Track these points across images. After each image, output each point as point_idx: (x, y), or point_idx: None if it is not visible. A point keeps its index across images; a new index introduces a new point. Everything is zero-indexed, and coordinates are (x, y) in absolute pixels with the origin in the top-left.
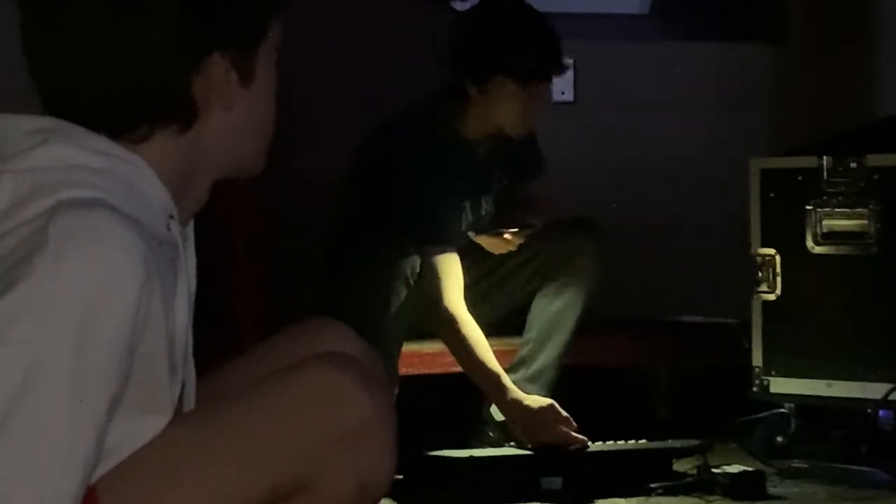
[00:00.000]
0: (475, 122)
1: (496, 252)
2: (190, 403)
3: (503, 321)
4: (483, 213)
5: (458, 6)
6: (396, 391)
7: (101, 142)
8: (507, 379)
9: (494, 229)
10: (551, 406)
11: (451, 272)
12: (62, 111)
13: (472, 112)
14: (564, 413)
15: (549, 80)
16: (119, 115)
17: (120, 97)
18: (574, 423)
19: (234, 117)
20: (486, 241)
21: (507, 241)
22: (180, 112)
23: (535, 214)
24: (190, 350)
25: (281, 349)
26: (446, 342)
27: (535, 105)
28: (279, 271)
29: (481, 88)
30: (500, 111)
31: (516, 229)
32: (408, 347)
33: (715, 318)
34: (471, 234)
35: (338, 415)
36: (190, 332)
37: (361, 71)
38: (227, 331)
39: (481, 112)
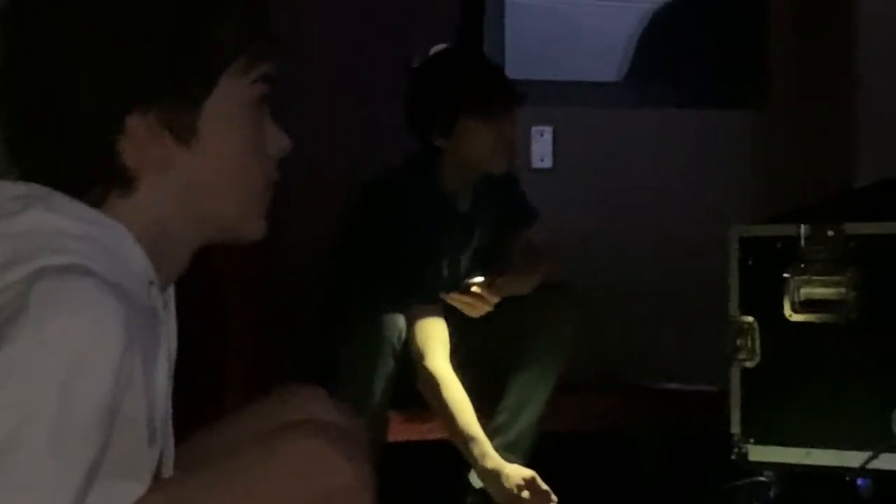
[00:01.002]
0: (452, 173)
1: (473, 313)
2: (168, 470)
3: (481, 388)
4: (461, 268)
5: (417, 61)
6: (378, 457)
7: (81, 208)
8: (487, 446)
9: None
10: (531, 478)
11: (435, 331)
12: (30, 176)
13: (447, 163)
14: (544, 486)
15: (512, 111)
16: (66, 180)
17: (61, 162)
18: (553, 497)
19: (179, 179)
20: (458, 301)
21: (480, 297)
22: (113, 176)
23: (533, 273)
24: (169, 416)
25: (261, 415)
26: (429, 402)
27: (507, 138)
28: (270, 334)
29: (449, 137)
30: (472, 151)
31: (481, 279)
32: (391, 412)
33: (694, 385)
34: (442, 295)
35: (318, 481)
36: (170, 397)
37: (356, 128)
38: (214, 392)
39: (455, 160)
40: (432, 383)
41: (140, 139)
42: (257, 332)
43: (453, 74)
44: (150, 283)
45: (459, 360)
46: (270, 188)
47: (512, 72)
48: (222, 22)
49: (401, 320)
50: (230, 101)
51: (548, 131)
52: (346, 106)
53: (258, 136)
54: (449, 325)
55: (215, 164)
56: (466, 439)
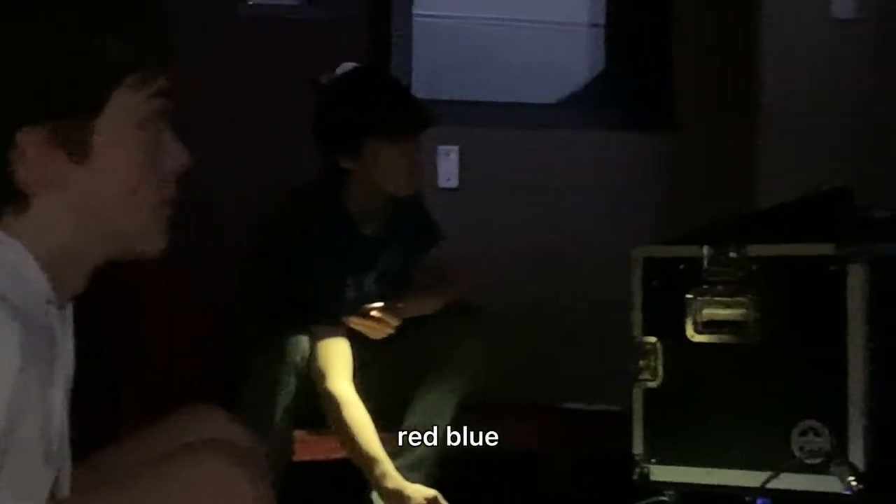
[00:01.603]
0: (359, 194)
1: (375, 336)
2: (65, 490)
3: (388, 408)
4: (367, 290)
5: (324, 80)
6: (282, 477)
7: None
8: (389, 465)
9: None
10: (433, 497)
11: (338, 353)
12: None
13: (353, 184)
14: None
15: (419, 133)
16: None
17: None
18: None
19: (74, 197)
20: (360, 324)
21: (381, 321)
22: (5, 194)
23: (437, 295)
24: (66, 435)
25: (161, 435)
26: (331, 423)
27: (413, 160)
28: (173, 353)
29: (356, 159)
30: (378, 173)
31: (379, 305)
32: (296, 432)
33: (599, 405)
34: (345, 319)
35: (218, 502)
36: (66, 417)
37: (265, 146)
38: (114, 412)
39: (361, 181)
40: (334, 404)
41: (32, 157)
42: (159, 350)
43: (361, 95)
44: (48, 302)
45: (365, 380)
46: (168, 204)
47: (419, 91)
48: (114, 37)
49: (304, 341)
50: (124, 117)
51: (454, 151)
52: (255, 124)
53: (154, 152)
54: (354, 346)
55: (110, 180)
56: (368, 459)
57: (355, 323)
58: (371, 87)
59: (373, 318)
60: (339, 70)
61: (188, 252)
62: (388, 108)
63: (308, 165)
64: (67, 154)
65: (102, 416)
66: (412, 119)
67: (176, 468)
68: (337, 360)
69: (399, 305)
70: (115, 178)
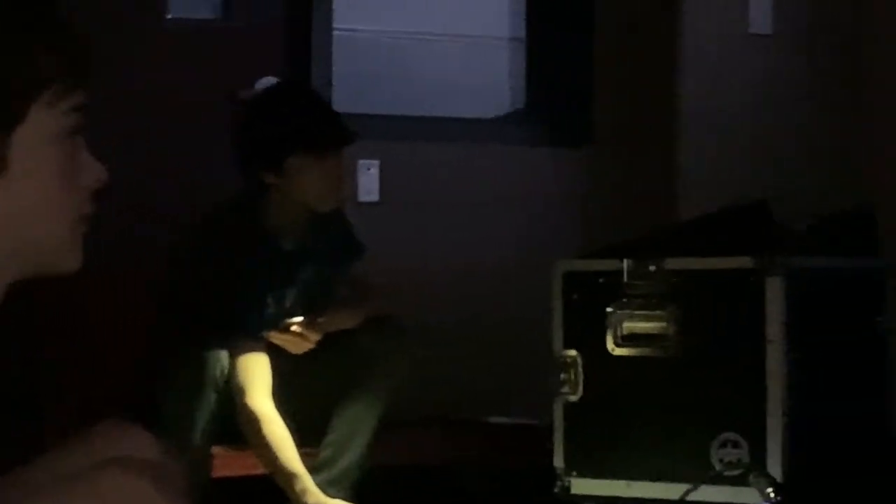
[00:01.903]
0: (280, 209)
1: (295, 351)
2: None
3: (308, 423)
4: (288, 305)
5: (244, 94)
6: (200, 493)
7: None
8: (309, 481)
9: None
10: None
11: (257, 369)
12: None
13: (275, 199)
14: None
15: (342, 148)
16: None
17: None
18: None
19: None
20: (280, 339)
21: (301, 336)
22: None
23: (357, 309)
24: None
25: (77, 452)
26: (250, 441)
27: (336, 176)
28: (91, 370)
29: (278, 173)
30: (301, 189)
31: (299, 319)
32: (213, 449)
33: (520, 419)
34: (264, 334)
35: None
36: None
37: (181, 161)
38: (32, 429)
39: (283, 197)
40: (253, 421)
41: None
42: (77, 368)
43: (284, 111)
44: None
45: (286, 395)
46: (85, 220)
47: (339, 105)
48: (31, 52)
49: (223, 357)
50: (41, 132)
51: (375, 165)
52: (176, 137)
53: (70, 168)
54: (275, 361)
55: (26, 196)
56: (288, 476)
57: (275, 338)
58: (294, 102)
59: (293, 332)
60: (260, 84)
61: (106, 265)
62: (312, 124)
63: (229, 178)
64: None
65: (23, 430)
66: (335, 135)
67: (93, 484)
68: (256, 376)
69: (319, 320)
70: (31, 194)
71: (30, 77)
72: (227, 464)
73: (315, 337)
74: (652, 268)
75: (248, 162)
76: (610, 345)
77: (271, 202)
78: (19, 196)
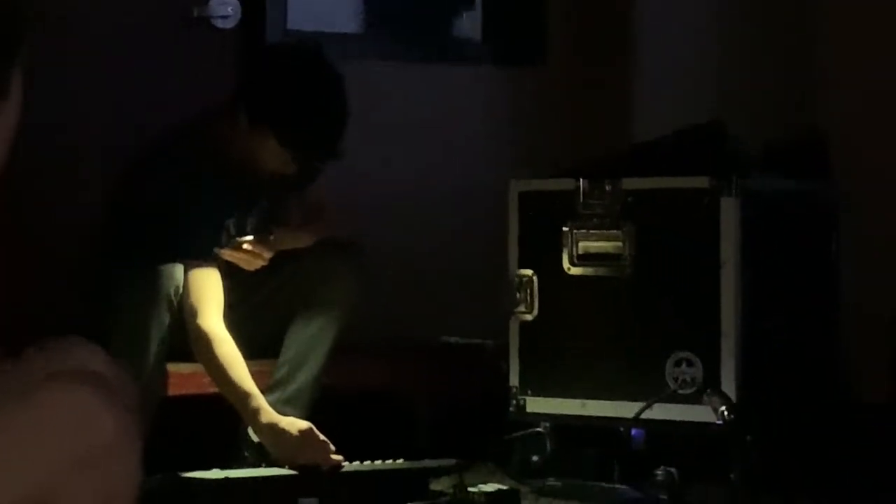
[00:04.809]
0: (238, 147)
1: (248, 268)
2: None
3: (263, 342)
4: (248, 229)
5: (220, 24)
6: (154, 411)
7: None
8: (262, 400)
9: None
10: (308, 429)
11: (209, 289)
12: None
13: (237, 137)
14: (321, 436)
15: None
16: None
17: None
18: (331, 446)
19: None
20: (231, 256)
21: (252, 253)
22: None
23: (310, 229)
24: None
25: (24, 368)
26: (201, 361)
27: (292, 165)
28: (34, 294)
29: (250, 126)
30: (256, 155)
31: (251, 237)
32: (170, 366)
33: (474, 339)
34: (216, 250)
35: (79, 434)
36: None
37: (125, 90)
38: None
39: (243, 143)
40: (204, 341)
41: None
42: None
43: (298, 97)
44: None
45: (239, 313)
46: None
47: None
48: None
49: (178, 272)
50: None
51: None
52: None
53: None
54: (229, 280)
55: (14, 118)
56: (241, 395)
57: (228, 255)
58: (305, 94)
59: (245, 250)
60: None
61: (53, 181)
62: (302, 130)
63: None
64: None
65: None
66: (315, 151)
67: (38, 397)
68: (209, 296)
69: (271, 238)
70: (17, 114)
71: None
72: (183, 382)
73: (267, 254)
74: (608, 187)
75: (238, 93)
76: (565, 264)
77: (235, 135)
78: (11, 119)
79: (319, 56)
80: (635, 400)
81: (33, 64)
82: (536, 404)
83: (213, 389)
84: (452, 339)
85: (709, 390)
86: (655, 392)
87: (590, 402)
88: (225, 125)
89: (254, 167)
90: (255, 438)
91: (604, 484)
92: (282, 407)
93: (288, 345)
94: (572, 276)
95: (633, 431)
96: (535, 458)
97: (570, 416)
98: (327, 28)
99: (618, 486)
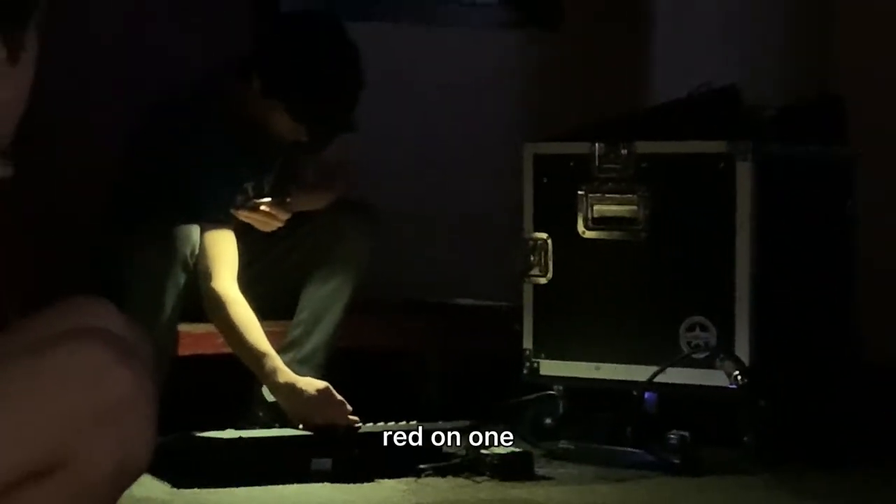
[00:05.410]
0: (252, 111)
1: (264, 229)
2: None
3: (277, 303)
4: (266, 190)
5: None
6: (167, 370)
7: None
8: (279, 361)
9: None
10: (325, 388)
11: (224, 251)
12: None
13: (251, 101)
14: (338, 396)
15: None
16: None
17: None
18: (348, 406)
19: (2, 95)
20: (248, 217)
21: (269, 215)
22: None
23: (326, 190)
24: None
25: (41, 325)
26: (216, 323)
27: (304, 135)
28: (48, 260)
29: (263, 95)
30: (269, 122)
31: (268, 199)
32: (180, 327)
33: (487, 302)
34: (232, 212)
35: (95, 390)
36: None
37: (141, 50)
38: None
39: (257, 109)
40: (219, 304)
41: None
42: (27, 259)
43: (317, 72)
44: None
45: (255, 274)
46: None
47: None
48: None
49: (195, 233)
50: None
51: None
52: (129, 32)
53: None
54: (244, 240)
55: (27, 79)
56: (257, 356)
57: (244, 216)
58: (323, 70)
59: (262, 211)
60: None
61: (68, 143)
62: (318, 105)
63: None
64: (8, 55)
65: None
66: (328, 129)
67: (54, 353)
68: (224, 258)
69: (287, 200)
70: (30, 76)
71: None
72: (197, 342)
73: (283, 216)
74: (623, 151)
75: (255, 60)
76: (580, 227)
77: (249, 99)
78: (24, 80)
79: (334, 28)
80: (649, 364)
81: (48, 23)
82: (550, 367)
83: (226, 350)
84: (467, 301)
85: (722, 355)
86: (669, 356)
87: (603, 366)
88: (240, 88)
89: (267, 131)
90: (269, 398)
91: (616, 447)
92: (297, 367)
93: (303, 305)
94: (587, 240)
95: (646, 395)
96: (547, 420)
97: (583, 378)
98: None
99: (630, 449)
